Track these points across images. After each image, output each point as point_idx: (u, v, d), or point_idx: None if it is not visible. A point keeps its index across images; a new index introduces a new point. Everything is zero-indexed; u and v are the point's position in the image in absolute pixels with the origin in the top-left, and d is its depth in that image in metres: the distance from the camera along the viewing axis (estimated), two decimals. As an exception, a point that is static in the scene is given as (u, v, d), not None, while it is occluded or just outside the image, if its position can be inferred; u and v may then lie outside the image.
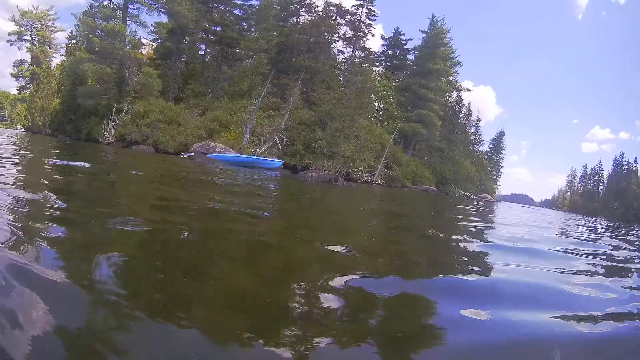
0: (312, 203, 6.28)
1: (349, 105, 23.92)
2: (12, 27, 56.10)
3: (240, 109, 23.26)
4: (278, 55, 26.90)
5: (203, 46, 30.09)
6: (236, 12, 29.81)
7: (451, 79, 36.66)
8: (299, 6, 30.19)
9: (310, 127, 23.20)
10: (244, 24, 29.53)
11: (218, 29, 28.25)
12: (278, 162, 18.47)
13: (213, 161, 16.61)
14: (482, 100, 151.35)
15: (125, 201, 3.35)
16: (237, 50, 27.65)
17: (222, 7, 29.44)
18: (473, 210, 10.05)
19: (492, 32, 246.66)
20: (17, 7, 56.79)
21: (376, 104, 33.16)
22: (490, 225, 6.16)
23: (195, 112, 24.22)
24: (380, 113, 33.66)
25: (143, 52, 29.13)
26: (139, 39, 27.32)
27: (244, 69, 25.71)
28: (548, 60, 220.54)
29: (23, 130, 44.51)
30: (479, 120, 45.41)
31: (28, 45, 55.83)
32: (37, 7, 56.79)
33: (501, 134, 51.96)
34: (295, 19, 30.44)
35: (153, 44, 30.49)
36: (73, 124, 28.26)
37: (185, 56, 28.91)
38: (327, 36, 30.43)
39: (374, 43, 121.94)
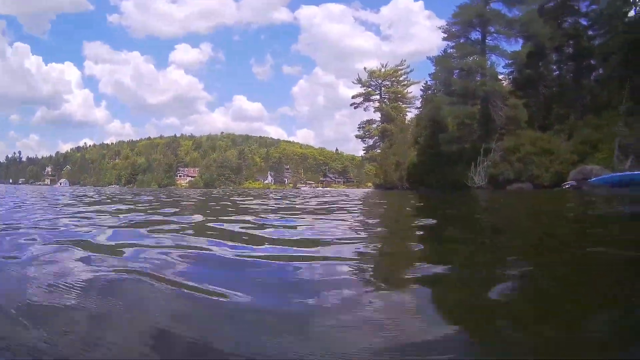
0: None
1: None
2: (357, 90, 54.69)
3: (605, 124, 21.75)
4: (630, 54, 23.62)
5: (555, 67, 28.83)
6: (582, 21, 27.92)
7: None
8: (637, -4, 26.17)
9: None
10: (590, 32, 27.44)
11: (570, 43, 27.06)
12: None
13: (595, 186, 15.70)
14: None
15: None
16: (592, 62, 26.52)
17: (569, 20, 28.10)
18: None
19: None
20: (365, 68, 56.52)
21: None
22: None
23: (562, 138, 23.27)
24: None
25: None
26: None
27: (599, 78, 24.74)
28: None
29: (373, 188, 44.38)
30: None
31: (376, 105, 54.08)
32: (385, 65, 55.27)
33: None
34: (634, 10, 26.36)
35: (509, 77, 29.61)
36: (434, 174, 27.86)
37: (543, 80, 27.51)
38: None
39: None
